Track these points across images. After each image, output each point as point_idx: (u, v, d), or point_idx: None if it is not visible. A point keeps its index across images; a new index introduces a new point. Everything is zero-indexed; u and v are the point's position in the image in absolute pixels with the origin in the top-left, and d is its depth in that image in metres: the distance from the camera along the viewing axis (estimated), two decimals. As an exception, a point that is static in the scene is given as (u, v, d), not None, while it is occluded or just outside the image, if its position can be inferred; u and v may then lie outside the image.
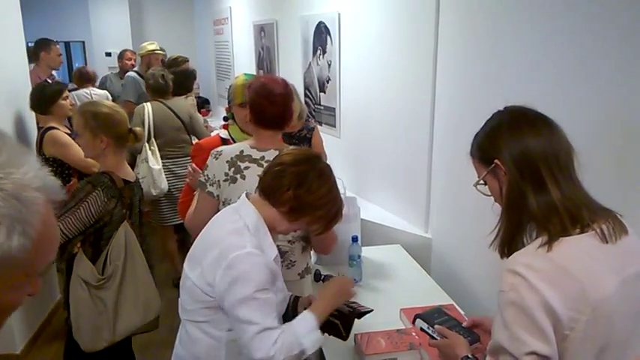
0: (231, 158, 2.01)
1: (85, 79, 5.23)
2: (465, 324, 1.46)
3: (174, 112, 4.12)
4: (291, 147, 2.14)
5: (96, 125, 2.15)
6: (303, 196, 1.54)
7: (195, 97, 5.51)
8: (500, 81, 2.17)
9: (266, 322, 1.44)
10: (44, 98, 3.24)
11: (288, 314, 1.71)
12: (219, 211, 2.03)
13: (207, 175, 2.02)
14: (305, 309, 1.61)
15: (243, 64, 6.28)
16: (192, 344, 1.60)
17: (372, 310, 1.75)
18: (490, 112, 1.34)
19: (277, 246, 1.63)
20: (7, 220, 0.65)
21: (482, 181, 1.29)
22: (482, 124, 1.33)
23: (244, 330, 1.44)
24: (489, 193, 1.29)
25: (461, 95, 2.45)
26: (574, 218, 1.15)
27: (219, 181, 2.00)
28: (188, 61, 5.76)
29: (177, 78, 4.89)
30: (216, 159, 2.03)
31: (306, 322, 1.52)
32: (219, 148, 2.07)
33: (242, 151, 2.02)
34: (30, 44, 4.24)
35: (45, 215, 0.71)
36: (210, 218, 1.98)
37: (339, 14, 3.67)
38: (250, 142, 2.07)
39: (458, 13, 2.45)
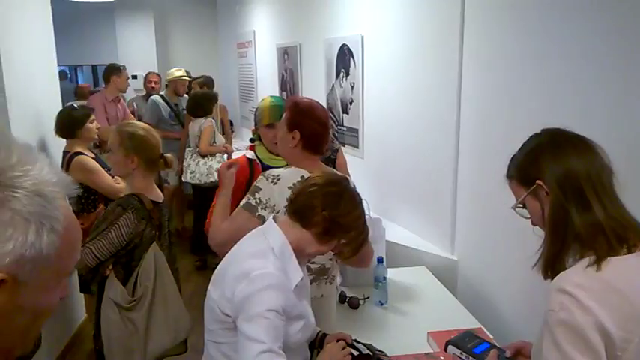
0: (294, 184, 1.89)
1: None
2: (507, 353, 1.42)
3: None
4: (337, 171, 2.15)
5: (130, 146, 2.19)
6: (337, 217, 1.54)
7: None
8: (526, 102, 2.15)
9: (272, 345, 1.40)
10: (72, 122, 3.22)
11: (314, 349, 1.70)
12: None
13: (259, 199, 1.90)
14: None
15: (266, 87, 6.35)
16: None
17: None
18: (517, 134, 1.34)
19: (321, 264, 1.59)
20: (35, 218, 0.65)
21: (520, 204, 1.28)
22: (509, 144, 1.34)
23: (248, 347, 1.40)
24: (528, 216, 1.28)
25: (486, 117, 2.44)
26: (620, 238, 1.14)
27: (274, 205, 1.90)
28: (205, 83, 5.95)
29: (196, 100, 5.00)
30: (275, 184, 1.92)
31: None
32: (275, 172, 1.96)
33: (303, 177, 1.90)
34: (60, 67, 4.38)
35: (66, 209, 0.70)
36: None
37: (362, 37, 3.71)
38: (304, 167, 1.98)
39: (482, 34, 2.45)
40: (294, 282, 1.54)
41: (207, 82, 6.43)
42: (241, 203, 1.95)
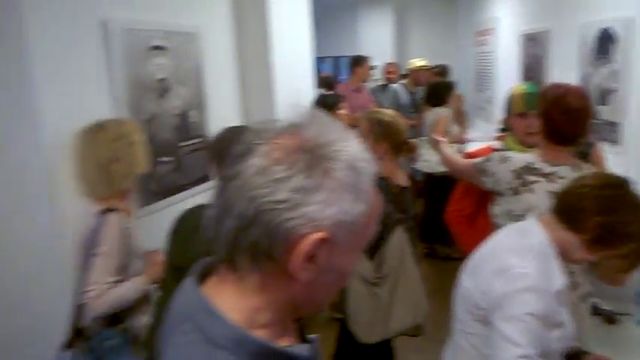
0: (518, 168, 1.92)
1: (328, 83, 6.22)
2: None
3: None
4: (586, 165, 1.96)
5: (380, 131, 2.32)
6: (613, 225, 1.38)
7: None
8: None
9: (529, 350, 1.32)
10: (326, 106, 3.58)
11: None
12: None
13: (488, 167, 2.02)
14: None
15: (506, 75, 6.04)
16: (460, 354, 1.59)
17: None
18: None
19: None
20: (352, 188, 0.72)
21: None
22: None
23: (505, 348, 1.34)
24: None
25: None
26: None
27: (497, 180, 1.98)
28: (441, 72, 5.95)
29: (434, 89, 5.06)
30: (502, 163, 1.98)
31: None
32: (507, 154, 2.02)
33: (531, 163, 1.92)
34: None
35: (372, 184, 0.76)
36: (463, 180, 2.25)
37: (632, 19, 3.24)
38: (540, 154, 1.95)
39: None
40: (555, 286, 1.43)
41: (443, 71, 6.44)
42: (476, 160, 2.12)
